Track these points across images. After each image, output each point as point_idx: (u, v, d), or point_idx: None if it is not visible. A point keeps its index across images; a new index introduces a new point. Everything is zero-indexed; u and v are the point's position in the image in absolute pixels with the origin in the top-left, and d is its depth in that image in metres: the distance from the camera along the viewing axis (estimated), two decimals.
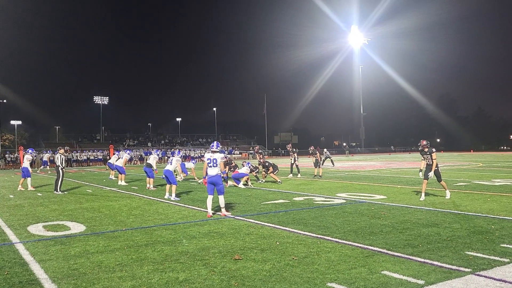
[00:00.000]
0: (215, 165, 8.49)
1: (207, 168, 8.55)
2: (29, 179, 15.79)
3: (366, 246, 5.61)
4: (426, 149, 10.24)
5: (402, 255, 5.12)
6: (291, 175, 19.10)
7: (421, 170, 10.64)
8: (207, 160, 8.60)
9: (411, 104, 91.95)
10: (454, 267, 4.62)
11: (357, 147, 79.80)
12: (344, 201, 10.18)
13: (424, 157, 10.33)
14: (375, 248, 5.48)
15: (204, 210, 9.19)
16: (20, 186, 15.94)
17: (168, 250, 5.70)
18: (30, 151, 17.07)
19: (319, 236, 6.33)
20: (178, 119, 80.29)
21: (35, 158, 35.43)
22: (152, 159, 15.32)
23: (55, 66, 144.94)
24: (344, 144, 79.42)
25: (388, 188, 12.95)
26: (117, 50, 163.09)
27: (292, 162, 19.73)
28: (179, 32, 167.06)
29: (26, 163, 16.08)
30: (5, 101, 59.91)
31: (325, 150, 31.34)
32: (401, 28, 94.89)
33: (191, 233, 6.81)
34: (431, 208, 8.68)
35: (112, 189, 14.94)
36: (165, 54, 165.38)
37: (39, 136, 71.59)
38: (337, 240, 6.03)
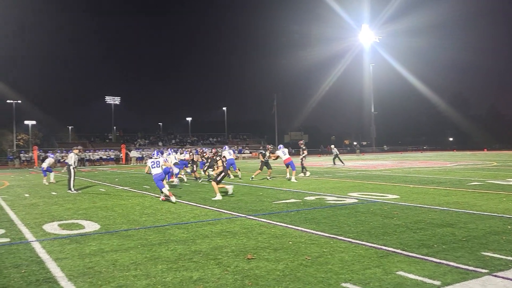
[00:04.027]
0: (158, 165, 11.32)
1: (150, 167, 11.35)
2: (52, 174, 18.59)
3: (380, 246, 5.57)
4: None
5: (417, 256, 5.08)
6: (302, 173, 19.03)
7: None
8: (151, 163, 11.42)
9: (422, 103, 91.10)
10: (470, 267, 4.57)
11: (368, 146, 79.29)
12: (356, 200, 10.13)
13: None
14: (389, 248, 5.45)
15: (216, 209, 9.24)
16: (44, 180, 18.20)
17: (181, 249, 5.72)
18: (51, 155, 19.98)
19: (332, 236, 6.30)
20: (188, 119, 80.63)
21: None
22: (174, 158, 17.06)
23: (67, 67, 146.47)
24: (355, 143, 79.01)
25: (401, 187, 12.85)
26: (128, 51, 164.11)
27: (301, 160, 19.65)
28: (188, 32, 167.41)
29: (45, 165, 18.41)
30: (19, 101, 60.71)
31: (332, 146, 31.27)
32: (413, 25, 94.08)
33: (204, 232, 6.83)
34: (445, 208, 8.60)
35: (125, 188, 15.06)
36: (175, 54, 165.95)
37: (53, 136, 72.44)
38: (350, 240, 6.00)
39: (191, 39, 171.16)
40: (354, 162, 33.23)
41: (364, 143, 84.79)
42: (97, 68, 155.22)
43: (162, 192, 11.20)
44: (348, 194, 11.44)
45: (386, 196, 10.78)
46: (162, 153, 15.19)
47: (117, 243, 6.15)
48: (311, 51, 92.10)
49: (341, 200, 10.19)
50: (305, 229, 6.80)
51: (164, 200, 10.99)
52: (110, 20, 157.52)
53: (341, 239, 6.04)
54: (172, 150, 21.25)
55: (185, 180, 17.26)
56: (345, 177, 17.73)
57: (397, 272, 4.46)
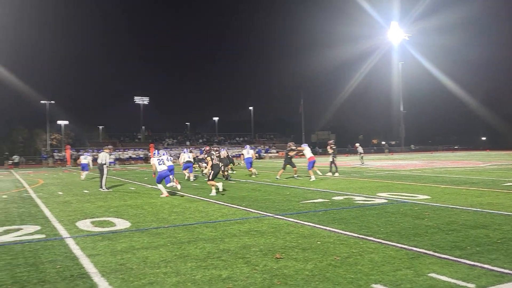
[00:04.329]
0: (163, 163, 12.28)
1: (156, 165, 12.28)
2: (86, 172, 20.97)
3: (411, 248, 5.47)
4: None
5: (450, 257, 4.96)
6: (330, 173, 18.88)
7: None
8: (157, 160, 12.36)
9: (453, 101, 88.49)
10: (506, 270, 4.43)
11: (397, 145, 77.87)
12: (386, 201, 9.98)
13: None
14: (421, 250, 5.34)
15: (243, 208, 9.29)
16: (82, 175, 20.79)
17: (210, 247, 5.78)
18: (87, 154, 22.67)
19: (361, 236, 6.23)
20: (215, 118, 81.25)
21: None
22: (188, 157, 18.15)
23: (98, 69, 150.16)
24: (383, 142, 77.76)
25: (432, 188, 12.57)
26: (156, 52, 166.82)
27: (331, 160, 19.51)
28: (216, 33, 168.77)
29: (84, 161, 21.47)
30: (53, 102, 62.58)
31: (357, 145, 30.91)
32: (444, 22, 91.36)
33: (232, 231, 6.87)
34: (478, 209, 8.36)
35: (154, 187, 15.31)
36: (202, 54, 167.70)
37: (84, 135, 74.39)
38: (380, 240, 5.91)
39: (219, 39, 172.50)
40: (382, 162, 32.75)
41: (393, 142, 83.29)
42: (127, 69, 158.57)
43: (161, 188, 12.42)
44: (377, 194, 11.28)
45: (416, 196, 10.57)
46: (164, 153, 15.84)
47: (147, 241, 6.26)
48: (338, 50, 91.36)
49: (370, 200, 10.06)
50: (334, 229, 6.75)
51: (167, 196, 11.97)
52: (139, 22, 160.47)
53: (370, 240, 5.97)
54: (186, 149, 21.74)
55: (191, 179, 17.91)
56: (374, 177, 17.49)
57: (429, 274, 4.37)
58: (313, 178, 16.28)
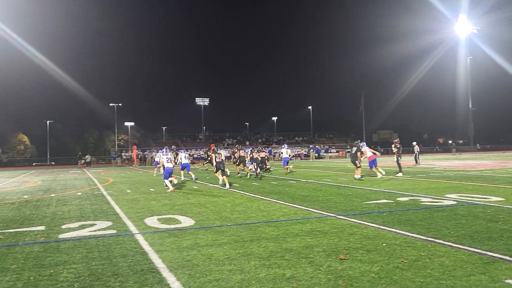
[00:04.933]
0: (169, 161, 14.61)
1: (164, 162, 14.63)
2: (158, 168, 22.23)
3: (484, 252, 5.16)
4: None
5: None
6: (400, 173, 18.21)
7: None
8: (166, 158, 14.71)
9: None
10: None
11: (465, 144, 73.74)
12: (455, 202, 9.49)
13: None
14: (496, 255, 5.02)
15: (305, 208, 9.25)
16: (155, 172, 22.91)
17: (273, 246, 5.80)
18: (164, 151, 23.04)
19: (429, 239, 5.97)
20: (274, 118, 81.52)
21: (152, 156, 39.87)
22: (185, 157, 19.78)
23: (161, 72, 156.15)
24: (450, 141, 73.98)
25: (506, 189, 11.78)
26: (216, 54, 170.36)
27: (396, 159, 18.86)
28: (274, 33, 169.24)
29: (158, 159, 22.50)
30: (120, 104, 65.94)
31: (414, 143, 29.61)
32: None
33: (294, 230, 6.86)
34: None
35: (215, 186, 15.65)
36: (260, 55, 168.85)
37: (149, 136, 77.66)
38: (450, 244, 5.63)
39: (277, 40, 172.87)
40: (450, 162, 31.19)
41: (461, 141, 79.02)
42: (188, 71, 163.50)
43: (167, 184, 14.33)
44: (445, 195, 10.76)
45: (489, 198, 9.96)
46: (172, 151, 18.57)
47: (212, 238, 6.41)
48: (401, 45, 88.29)
49: (437, 202, 9.62)
50: (399, 231, 6.53)
51: (172, 191, 13.76)
52: (199, 24, 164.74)
53: (440, 243, 5.70)
54: (183, 150, 24.30)
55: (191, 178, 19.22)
56: (441, 177, 16.70)
57: (506, 280, 4.10)
58: (379, 175, 16.77)
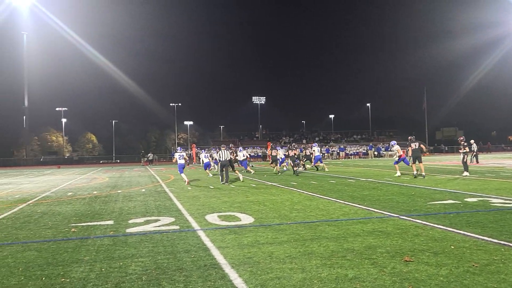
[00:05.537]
0: (182, 158, 17.34)
1: (177, 159, 17.45)
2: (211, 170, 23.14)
3: None
4: None
5: None
6: (466, 173, 17.31)
7: None
8: (178, 155, 17.52)
9: None
10: None
11: None
12: None
13: None
14: None
15: (365, 208, 9.04)
16: (208, 173, 22.26)
17: (334, 246, 5.72)
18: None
19: (502, 242, 5.62)
20: (331, 116, 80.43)
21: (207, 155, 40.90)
22: (242, 155, 23.11)
23: (219, 72, 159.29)
24: None
25: None
26: (272, 53, 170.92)
27: (462, 158, 17.92)
28: (330, 29, 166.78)
29: (205, 160, 22.52)
30: (180, 104, 68.08)
31: (472, 141, 27.75)
32: None
33: (355, 230, 6.72)
34: None
35: (273, 184, 15.71)
36: (317, 52, 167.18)
37: (207, 135, 79.50)
38: None
39: (334, 35, 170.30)
40: None
41: None
42: (245, 71, 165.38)
43: (183, 177, 17.22)
44: None
45: None
46: (185, 150, 20.87)
47: (271, 236, 6.44)
48: (465, 38, 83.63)
49: (510, 203, 9.02)
50: (469, 233, 6.20)
51: (187, 184, 16.31)
52: (255, 23, 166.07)
53: None
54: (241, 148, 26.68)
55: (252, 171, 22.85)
56: None
57: None
58: (398, 173, 17.74)
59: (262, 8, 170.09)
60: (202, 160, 22.63)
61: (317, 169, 23.66)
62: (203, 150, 24.69)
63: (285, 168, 24.57)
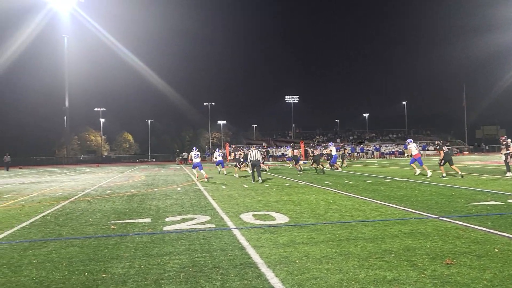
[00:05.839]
0: (197, 157, 19.31)
1: (193, 158, 19.56)
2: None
3: None
4: None
5: None
6: (509, 173, 16.61)
7: None
8: (194, 155, 19.57)
9: None
10: None
11: None
12: None
13: None
14: None
15: (403, 208, 8.84)
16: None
17: (371, 247, 5.63)
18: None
19: None
20: (366, 115, 79.10)
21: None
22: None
23: (252, 71, 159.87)
24: None
25: None
26: (305, 52, 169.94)
27: (505, 158, 17.19)
28: (364, 27, 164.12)
29: (219, 158, 23.22)
30: (213, 103, 68.77)
31: (509, 141, 26.29)
32: None
33: (392, 231, 6.59)
34: None
35: (308, 183, 15.61)
36: (350, 49, 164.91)
37: (240, 134, 79.89)
38: None
39: (368, 33, 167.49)
40: None
41: None
42: (278, 69, 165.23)
43: (201, 173, 18.72)
44: None
45: None
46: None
47: (307, 236, 6.40)
48: (504, 33, 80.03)
49: None
50: None
51: (207, 179, 18.12)
52: (288, 21, 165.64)
53: None
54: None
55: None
56: None
57: None
58: (418, 171, 17.74)
59: (295, 8, 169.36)
60: (216, 157, 23.47)
61: (316, 171, 22.03)
62: (217, 149, 25.50)
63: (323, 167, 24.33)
